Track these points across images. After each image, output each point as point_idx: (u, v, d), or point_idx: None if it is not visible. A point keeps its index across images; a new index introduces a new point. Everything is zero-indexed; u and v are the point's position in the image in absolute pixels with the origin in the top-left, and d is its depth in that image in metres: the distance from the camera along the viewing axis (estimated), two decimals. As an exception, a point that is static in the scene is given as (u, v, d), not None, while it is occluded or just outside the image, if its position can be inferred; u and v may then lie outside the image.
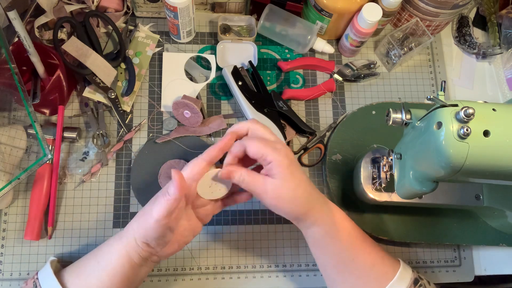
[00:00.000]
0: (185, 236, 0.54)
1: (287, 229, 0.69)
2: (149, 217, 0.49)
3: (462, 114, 0.42)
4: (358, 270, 0.55)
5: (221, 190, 0.54)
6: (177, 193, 0.48)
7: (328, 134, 0.74)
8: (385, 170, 0.61)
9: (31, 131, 0.66)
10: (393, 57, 0.76)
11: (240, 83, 0.72)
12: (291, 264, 0.68)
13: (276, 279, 0.67)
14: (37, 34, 0.68)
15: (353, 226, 0.56)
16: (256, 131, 0.53)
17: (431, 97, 0.45)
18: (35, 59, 0.62)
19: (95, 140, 0.69)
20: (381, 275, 0.54)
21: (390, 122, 0.52)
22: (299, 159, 0.72)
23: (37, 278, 0.54)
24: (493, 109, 0.44)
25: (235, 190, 0.57)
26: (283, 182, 0.49)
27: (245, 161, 0.54)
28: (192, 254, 0.67)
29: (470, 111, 0.41)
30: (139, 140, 0.71)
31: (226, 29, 0.76)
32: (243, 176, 0.51)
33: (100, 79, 0.69)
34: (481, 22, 0.84)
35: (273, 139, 0.52)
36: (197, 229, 0.56)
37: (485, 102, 0.46)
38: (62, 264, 0.61)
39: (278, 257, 0.68)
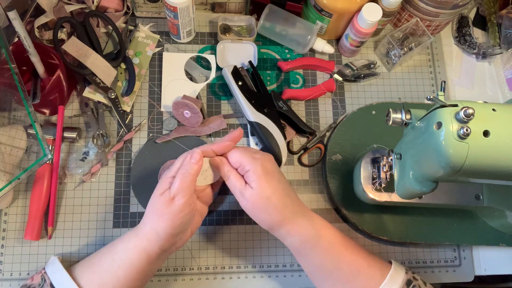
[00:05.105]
0: (197, 221, 0.58)
1: (287, 229, 0.69)
2: (173, 204, 0.51)
3: (462, 114, 0.42)
4: (343, 278, 0.56)
5: (210, 177, 0.58)
6: (198, 158, 0.53)
7: (328, 134, 0.74)
8: (385, 170, 0.61)
9: (31, 131, 0.66)
10: (393, 57, 0.76)
11: (240, 83, 0.72)
12: (291, 264, 0.68)
13: (276, 279, 0.67)
14: (37, 34, 0.68)
15: (336, 234, 0.56)
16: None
17: (431, 97, 0.45)
18: (35, 59, 0.62)
19: (95, 140, 0.69)
20: (368, 280, 0.55)
21: (390, 122, 0.52)
22: (299, 159, 0.72)
23: (45, 272, 0.54)
24: (493, 109, 0.44)
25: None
26: (257, 190, 0.52)
27: None
28: (192, 254, 0.67)
29: (470, 111, 0.41)
30: (139, 140, 0.71)
31: (226, 29, 0.76)
32: (229, 173, 0.55)
33: (100, 79, 0.69)
34: (481, 22, 0.84)
35: (254, 149, 0.57)
36: (204, 212, 0.60)
37: (485, 102, 0.46)
38: (63, 263, 0.61)
39: (278, 257, 0.68)
